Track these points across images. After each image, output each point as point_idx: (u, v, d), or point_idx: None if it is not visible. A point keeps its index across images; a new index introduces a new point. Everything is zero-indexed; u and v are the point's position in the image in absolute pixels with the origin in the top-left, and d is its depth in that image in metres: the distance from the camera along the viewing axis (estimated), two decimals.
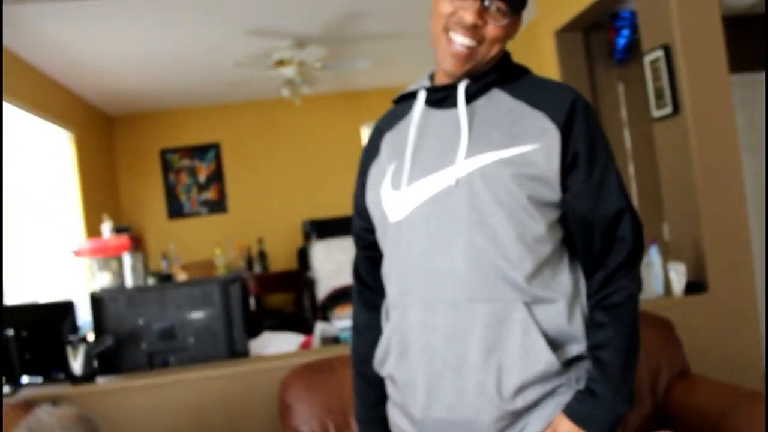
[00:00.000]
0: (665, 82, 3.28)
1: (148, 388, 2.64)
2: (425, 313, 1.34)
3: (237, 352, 2.83)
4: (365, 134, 7.21)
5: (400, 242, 1.39)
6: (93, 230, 5.63)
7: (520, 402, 1.31)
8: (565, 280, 1.37)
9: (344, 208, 6.30)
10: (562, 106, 1.35)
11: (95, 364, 2.70)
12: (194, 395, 2.65)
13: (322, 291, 4.99)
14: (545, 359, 1.29)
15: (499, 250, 1.30)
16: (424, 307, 1.35)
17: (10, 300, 3.77)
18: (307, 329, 4.79)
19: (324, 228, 5.66)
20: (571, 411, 1.32)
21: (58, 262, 5.05)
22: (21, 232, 4.40)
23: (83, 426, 1.73)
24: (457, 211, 1.31)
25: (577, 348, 1.36)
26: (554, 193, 1.35)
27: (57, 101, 5.45)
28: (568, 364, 1.35)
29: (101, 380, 2.69)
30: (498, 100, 1.39)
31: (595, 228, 1.37)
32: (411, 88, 1.50)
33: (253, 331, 3.37)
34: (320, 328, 3.15)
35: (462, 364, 1.31)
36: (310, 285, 5.22)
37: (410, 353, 1.37)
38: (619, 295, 1.36)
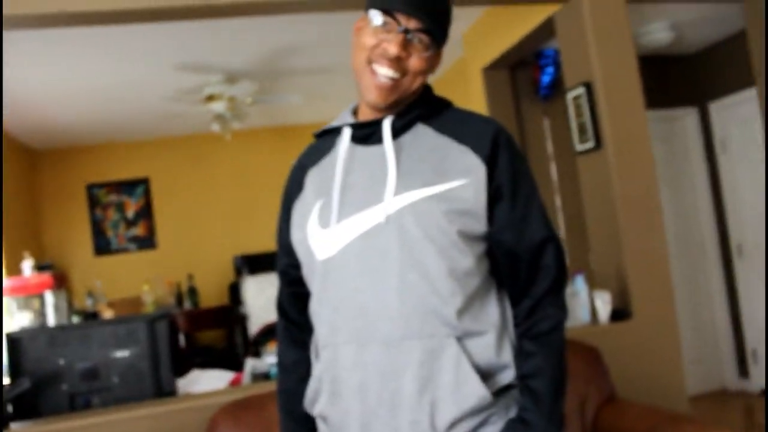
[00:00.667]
0: (587, 118, 3.40)
1: (67, 431, 2.53)
2: (358, 352, 1.33)
3: (164, 391, 2.75)
4: None
5: (330, 280, 1.37)
6: (13, 269, 5.42)
7: None
8: (493, 311, 1.39)
9: (275, 243, 6.26)
10: (486, 140, 1.37)
11: (9, 408, 2.58)
12: None
13: (255, 326, 4.92)
14: (477, 393, 1.30)
15: (431, 287, 1.30)
16: (356, 345, 1.34)
17: None
18: (238, 366, 4.69)
19: (255, 263, 5.60)
20: None
21: None
22: None
23: None
24: (388, 248, 1.31)
25: (508, 377, 1.37)
26: (482, 227, 1.36)
27: None
28: (499, 393, 1.36)
29: (15, 426, 2.57)
30: (423, 135, 1.40)
31: (520, 259, 1.39)
32: (334, 123, 1.50)
33: (183, 369, 3.29)
34: (251, 364, 3.09)
35: (396, 402, 1.30)
36: (241, 321, 5.14)
37: (343, 392, 1.36)
38: (545, 323, 1.38)
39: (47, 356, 2.70)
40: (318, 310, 1.42)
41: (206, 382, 3.02)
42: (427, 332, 1.30)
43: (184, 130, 6.65)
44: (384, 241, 1.31)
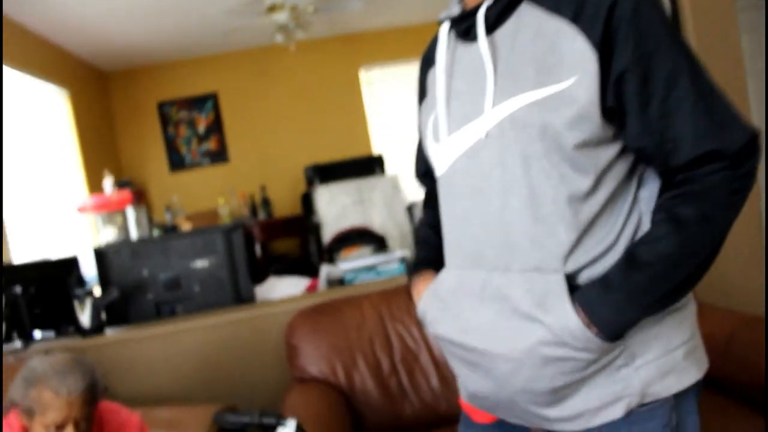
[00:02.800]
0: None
1: (157, 337, 2.67)
2: (459, 278, 1.20)
3: (243, 298, 2.86)
4: (363, 77, 7.11)
5: (443, 199, 1.25)
6: (95, 186, 5.63)
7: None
8: (612, 236, 1.09)
9: (345, 151, 6.27)
10: (599, 16, 1.03)
11: (103, 316, 2.73)
12: (202, 342, 2.68)
13: (327, 234, 5.00)
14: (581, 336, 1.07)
15: (535, 214, 1.08)
16: (460, 270, 1.20)
17: (17, 259, 3.79)
18: (313, 273, 4.83)
19: (326, 172, 5.62)
20: (578, 296, 1.06)
21: (63, 219, 5.07)
22: (24, 192, 4.40)
23: (78, 368, 1.75)
24: (490, 168, 1.12)
25: None
26: (605, 133, 1.06)
27: (49, 60, 5.38)
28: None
29: (110, 332, 2.72)
30: (529, 17, 1.10)
31: (671, 171, 1.07)
32: (440, 14, 1.25)
33: (260, 277, 3.40)
34: (325, 270, 3.16)
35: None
36: (315, 229, 5.23)
37: (443, 318, 1.23)
38: (697, 200, 1.04)
39: (132, 268, 2.83)
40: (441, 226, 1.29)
41: (283, 289, 3.11)
42: (531, 265, 1.09)
43: (248, 44, 6.62)
44: (486, 160, 1.12)
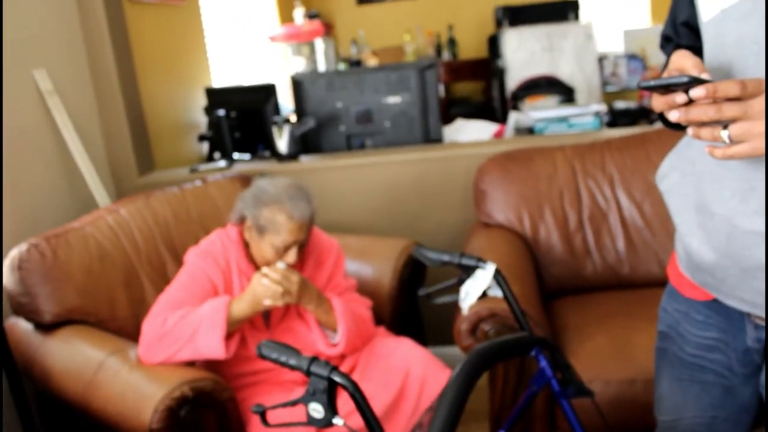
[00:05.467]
0: None
1: (348, 168, 2.75)
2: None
3: (431, 137, 2.85)
4: None
5: (707, 48, 1.09)
6: (286, 17, 5.72)
7: None
8: None
9: None
10: None
11: (299, 143, 2.83)
12: (390, 177, 2.73)
13: (513, 81, 4.82)
14: None
15: None
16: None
17: (215, 84, 3.99)
18: (495, 119, 4.73)
19: (517, 14, 5.33)
20: None
21: (256, 48, 5.23)
22: (221, 20, 4.55)
23: (303, 195, 1.84)
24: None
25: None
26: None
27: None
28: None
29: (304, 159, 2.83)
30: None
31: None
32: None
33: (444, 119, 3.37)
34: (514, 117, 3.07)
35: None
36: (499, 74, 5.05)
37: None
38: None
39: (326, 99, 2.88)
40: None
41: (470, 132, 3.07)
42: None
43: None
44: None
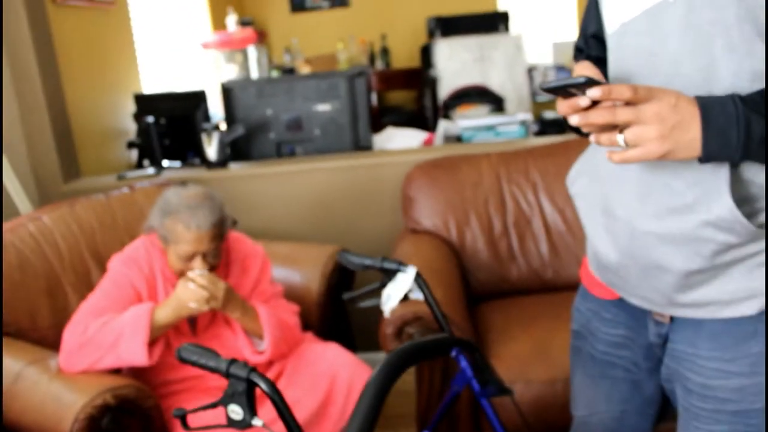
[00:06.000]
0: None
1: (277, 175, 2.76)
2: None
3: (361, 145, 2.88)
4: None
5: (611, 60, 1.15)
6: (218, 23, 5.68)
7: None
8: None
9: (471, 5, 6.01)
10: None
11: (228, 151, 2.82)
12: (320, 184, 2.75)
13: (445, 90, 4.90)
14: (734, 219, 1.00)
15: (710, 87, 0.98)
16: None
17: (146, 90, 3.94)
18: (427, 127, 4.80)
19: (449, 25, 5.43)
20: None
21: (187, 54, 5.18)
22: (151, 25, 4.49)
23: (207, 203, 1.84)
24: (669, 31, 1.01)
25: None
26: None
27: None
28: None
29: (234, 166, 2.82)
30: None
31: None
32: None
33: (375, 127, 3.41)
34: (443, 126, 3.13)
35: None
36: (432, 83, 5.13)
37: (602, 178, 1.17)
38: None
39: (256, 106, 2.88)
40: None
41: (400, 140, 3.11)
42: None
43: None
44: (667, 21, 1.01)
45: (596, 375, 1.35)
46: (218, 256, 1.89)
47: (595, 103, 0.96)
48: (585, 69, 1.09)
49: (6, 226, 2.14)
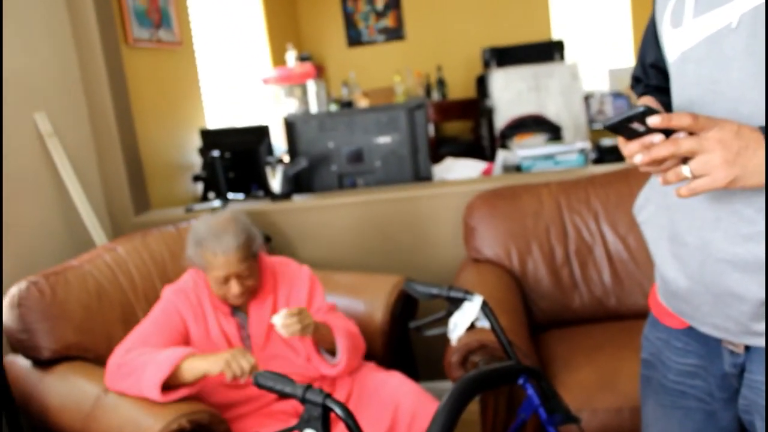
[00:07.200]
0: None
1: (340, 206, 2.81)
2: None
3: (421, 176, 2.92)
4: None
5: (673, 89, 1.15)
6: (278, 59, 5.84)
7: None
8: None
9: (525, 35, 6.04)
10: None
11: (291, 183, 2.90)
12: (381, 215, 2.79)
13: (501, 120, 4.93)
14: None
15: None
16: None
17: (210, 125, 4.07)
18: (484, 157, 4.82)
19: (504, 56, 5.47)
20: None
21: (248, 90, 5.33)
22: (215, 63, 4.65)
23: (231, 228, 1.91)
24: (732, 58, 1.01)
25: None
26: None
27: None
28: None
29: (297, 198, 2.89)
30: None
31: None
32: None
33: (433, 158, 3.45)
34: (502, 156, 3.15)
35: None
36: (488, 113, 5.16)
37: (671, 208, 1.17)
38: None
39: (318, 140, 2.96)
40: None
41: (459, 171, 3.14)
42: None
43: None
44: (728, 48, 1.01)
45: (668, 405, 1.33)
46: (254, 275, 1.95)
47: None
48: (647, 103, 1.10)
49: (84, 257, 2.24)
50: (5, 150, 2.37)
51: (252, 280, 1.95)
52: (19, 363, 2.04)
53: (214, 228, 1.92)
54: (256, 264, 1.97)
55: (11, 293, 2.00)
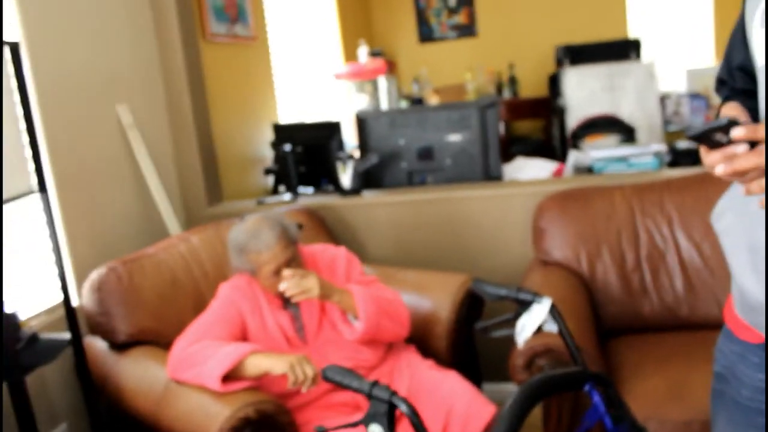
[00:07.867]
0: None
1: (408, 203, 2.82)
2: None
3: (491, 175, 2.90)
4: None
5: (760, 93, 1.12)
6: (350, 55, 5.88)
7: None
8: None
9: (599, 33, 5.92)
10: None
11: (361, 179, 2.92)
12: (450, 213, 2.79)
13: (573, 119, 4.85)
14: None
15: None
16: None
17: (282, 119, 4.14)
18: (555, 157, 4.76)
19: (578, 54, 5.36)
20: None
21: (320, 85, 5.39)
22: (288, 58, 4.72)
23: (264, 224, 1.97)
24: None
25: None
26: None
27: None
28: None
29: (366, 193, 2.92)
30: None
31: None
32: None
33: (503, 156, 3.42)
34: (574, 156, 3.10)
35: None
36: (560, 113, 5.08)
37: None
38: None
39: (389, 136, 2.97)
40: None
41: (530, 171, 3.11)
42: None
43: None
44: None
45: (741, 422, 1.29)
46: (298, 261, 2.01)
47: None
48: (731, 110, 1.07)
49: (160, 245, 2.32)
50: (91, 140, 2.47)
51: (299, 264, 2.02)
52: (97, 345, 2.13)
53: (250, 230, 1.99)
54: (298, 251, 2.04)
55: (92, 278, 2.09)
